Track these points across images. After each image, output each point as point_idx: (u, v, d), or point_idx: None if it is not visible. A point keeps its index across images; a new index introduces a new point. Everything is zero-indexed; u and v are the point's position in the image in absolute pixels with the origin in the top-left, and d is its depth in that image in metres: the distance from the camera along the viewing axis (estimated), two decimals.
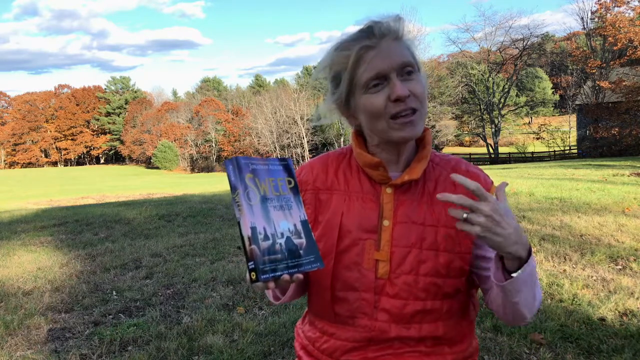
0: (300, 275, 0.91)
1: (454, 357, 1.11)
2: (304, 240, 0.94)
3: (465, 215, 0.90)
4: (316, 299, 1.17)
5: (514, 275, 0.95)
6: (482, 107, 42.80)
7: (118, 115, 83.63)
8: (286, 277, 0.89)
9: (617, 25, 25.06)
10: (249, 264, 0.86)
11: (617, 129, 27.39)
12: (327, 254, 1.08)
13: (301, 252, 0.93)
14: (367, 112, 1.04)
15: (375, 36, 1.02)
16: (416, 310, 1.06)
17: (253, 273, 0.85)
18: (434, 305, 1.06)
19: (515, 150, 41.94)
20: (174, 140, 65.03)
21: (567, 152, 35.82)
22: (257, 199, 0.89)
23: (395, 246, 1.06)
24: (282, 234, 0.91)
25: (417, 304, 1.05)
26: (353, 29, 1.07)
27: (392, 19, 1.05)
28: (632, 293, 3.41)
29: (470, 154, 43.57)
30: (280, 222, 0.91)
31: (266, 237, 0.88)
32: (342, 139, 51.40)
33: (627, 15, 25.78)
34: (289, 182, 0.98)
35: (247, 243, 0.86)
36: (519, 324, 1.08)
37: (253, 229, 0.86)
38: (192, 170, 64.55)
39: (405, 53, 1.03)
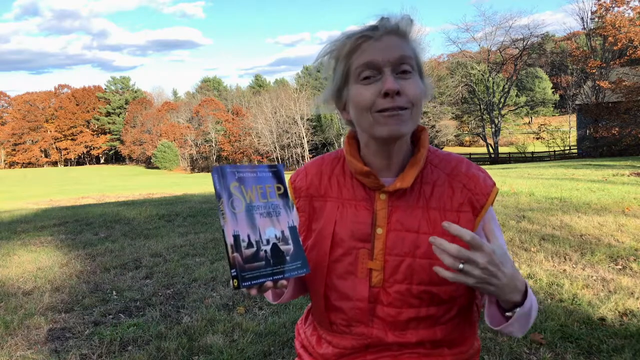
0: (285, 282, 0.90)
1: (454, 359, 1.10)
2: (291, 247, 0.94)
3: (461, 267, 0.85)
4: (314, 306, 1.17)
5: (508, 314, 0.95)
6: (482, 107, 42.78)
7: (118, 115, 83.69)
8: (269, 284, 0.88)
9: (617, 25, 25.06)
10: (232, 271, 0.86)
11: (617, 129, 27.38)
12: (320, 263, 1.06)
13: (287, 258, 0.92)
14: (355, 104, 1.00)
15: (379, 30, 0.99)
16: (410, 317, 1.04)
17: (235, 280, 0.85)
18: (429, 311, 1.04)
19: (515, 150, 41.93)
20: (174, 140, 65.07)
21: (567, 152, 35.81)
22: (242, 207, 0.89)
23: (388, 255, 1.04)
24: (268, 241, 0.90)
25: (411, 311, 1.04)
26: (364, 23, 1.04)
27: (403, 18, 1.01)
28: (632, 293, 3.41)
29: (470, 154, 43.52)
30: (266, 229, 0.91)
31: (250, 245, 0.87)
32: (342, 139, 51.31)
33: (627, 15, 25.79)
34: (278, 189, 0.97)
35: (229, 251, 0.86)
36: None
37: (236, 237, 0.86)
38: (192, 170, 64.58)
39: (405, 48, 0.99)
